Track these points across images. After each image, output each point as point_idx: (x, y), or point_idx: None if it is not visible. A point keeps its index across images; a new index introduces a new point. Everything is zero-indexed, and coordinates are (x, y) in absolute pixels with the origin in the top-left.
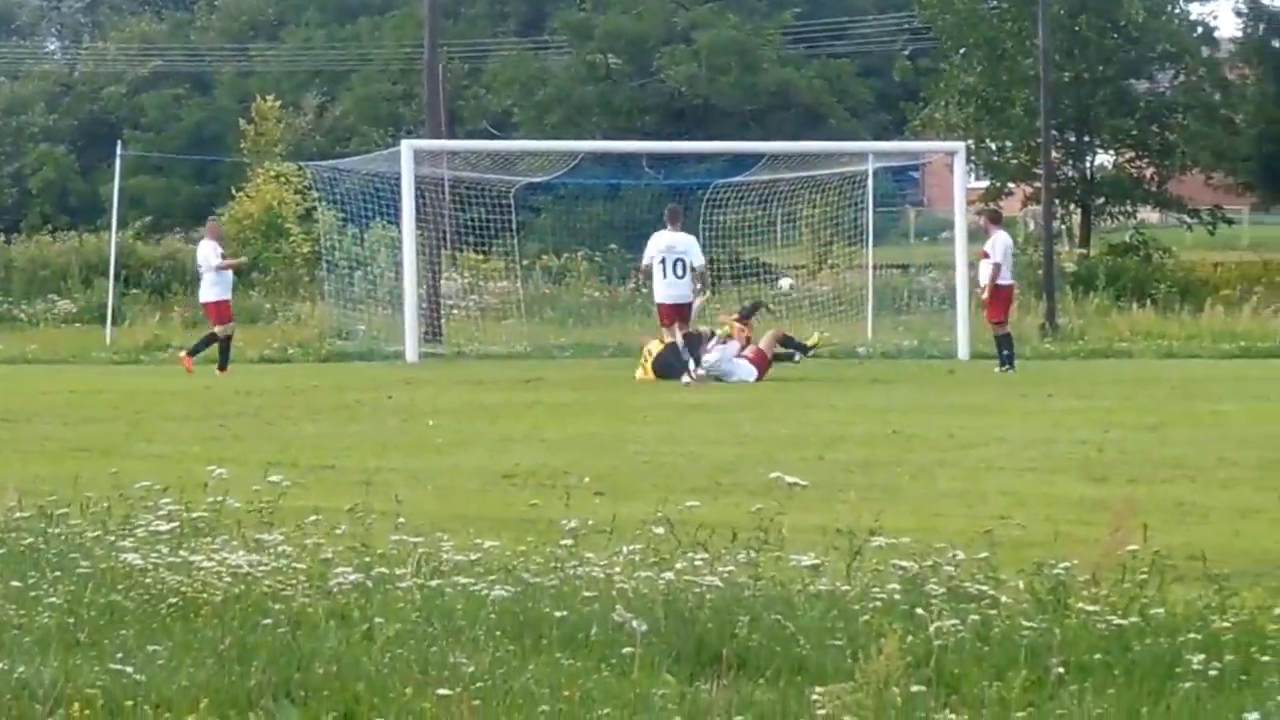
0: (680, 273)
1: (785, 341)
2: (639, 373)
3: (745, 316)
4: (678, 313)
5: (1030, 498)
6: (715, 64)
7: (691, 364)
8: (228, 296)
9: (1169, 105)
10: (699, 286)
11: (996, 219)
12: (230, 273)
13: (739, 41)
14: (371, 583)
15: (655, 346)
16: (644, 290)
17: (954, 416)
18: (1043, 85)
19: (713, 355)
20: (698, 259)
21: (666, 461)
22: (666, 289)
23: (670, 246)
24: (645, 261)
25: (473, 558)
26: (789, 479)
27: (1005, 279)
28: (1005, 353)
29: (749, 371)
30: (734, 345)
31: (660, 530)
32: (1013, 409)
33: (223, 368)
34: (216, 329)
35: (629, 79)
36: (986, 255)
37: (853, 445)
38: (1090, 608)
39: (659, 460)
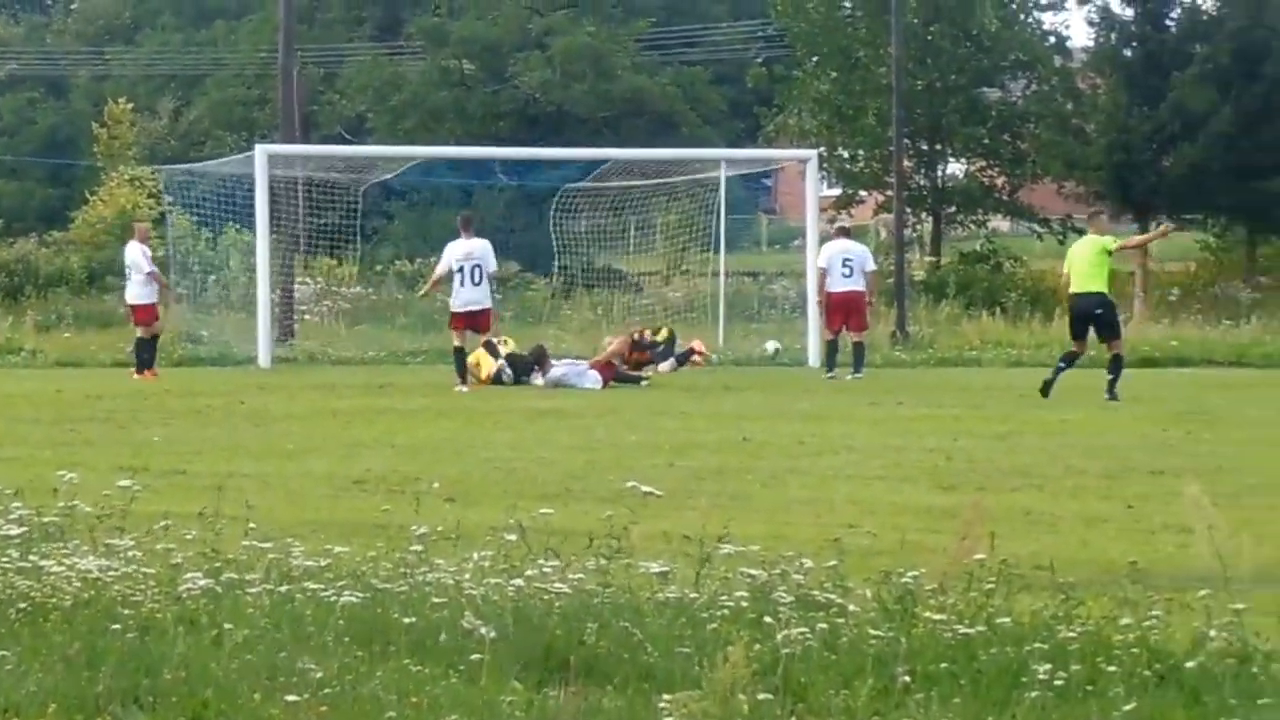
0: (478, 279)
1: (634, 364)
2: (461, 386)
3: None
4: (473, 320)
5: (879, 506)
6: (569, 70)
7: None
8: (155, 300)
9: (1021, 114)
10: (496, 292)
11: (842, 232)
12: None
13: (593, 48)
14: (221, 588)
15: (482, 354)
16: (496, 296)
17: (804, 424)
18: (895, 94)
19: (559, 369)
20: (492, 265)
21: (518, 467)
22: (466, 296)
23: (468, 254)
24: (443, 269)
25: (322, 563)
26: (640, 486)
27: (836, 287)
28: (830, 359)
29: (595, 380)
30: (583, 364)
31: (511, 536)
32: (862, 417)
33: (141, 371)
34: (140, 331)
35: (483, 85)
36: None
37: (704, 452)
38: (937, 617)
39: (510, 466)
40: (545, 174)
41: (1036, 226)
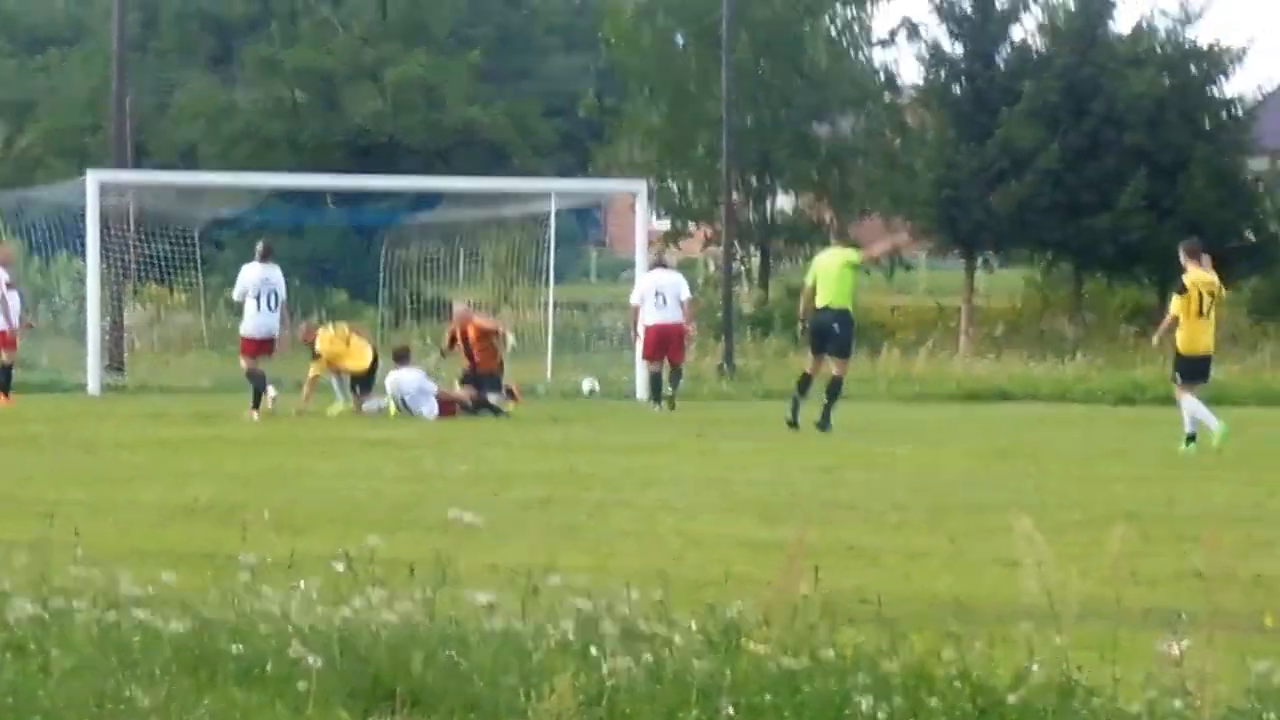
0: (273, 306)
1: (478, 403)
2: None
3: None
4: (265, 347)
5: (705, 538)
6: (401, 101)
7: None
8: (14, 324)
9: (850, 150)
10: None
11: (658, 264)
12: (16, 300)
13: (425, 79)
14: (49, 615)
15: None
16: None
17: (632, 456)
18: (725, 127)
19: (411, 376)
20: (282, 290)
21: (346, 497)
22: (260, 321)
23: (265, 279)
24: (239, 295)
25: (150, 591)
26: (467, 517)
27: (650, 319)
28: (655, 390)
29: (431, 410)
30: (432, 385)
31: (338, 566)
32: (690, 449)
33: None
34: (2, 354)
35: (316, 115)
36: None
37: (531, 483)
38: (761, 649)
39: (339, 496)
40: (376, 205)
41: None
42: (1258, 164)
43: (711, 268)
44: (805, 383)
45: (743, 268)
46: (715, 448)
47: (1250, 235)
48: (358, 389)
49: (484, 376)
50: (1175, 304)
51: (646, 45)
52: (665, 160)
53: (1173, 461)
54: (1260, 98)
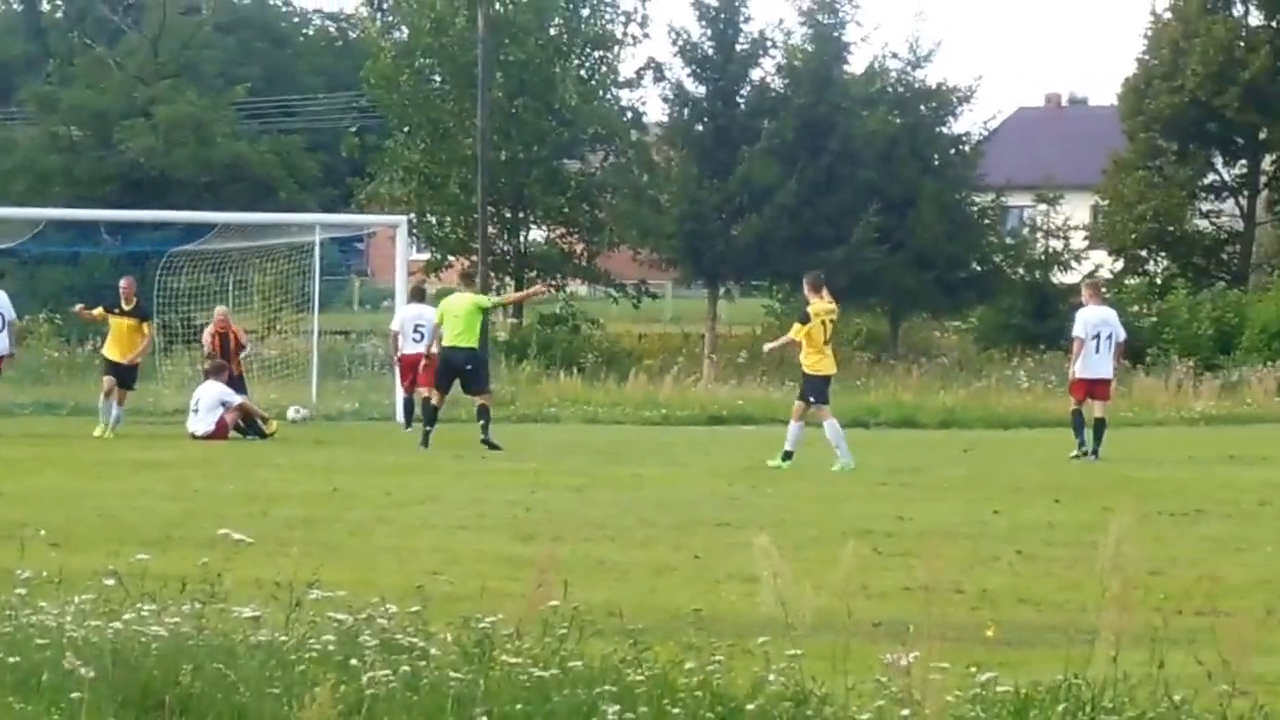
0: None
1: (249, 423)
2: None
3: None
4: None
5: (461, 554)
6: (173, 137)
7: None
8: None
9: (599, 185)
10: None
11: (417, 296)
12: None
13: (195, 116)
14: None
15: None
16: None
17: (392, 476)
18: (480, 163)
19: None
20: (12, 314)
21: (119, 515)
22: None
23: None
24: None
25: None
26: (235, 534)
27: (407, 349)
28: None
29: (203, 425)
30: (234, 398)
31: (111, 581)
32: (447, 469)
33: None
34: None
35: (91, 150)
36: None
37: (296, 502)
38: (513, 660)
39: (112, 514)
40: (149, 236)
41: (613, 291)
42: (983, 198)
43: None
44: (431, 411)
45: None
46: (472, 468)
47: (976, 266)
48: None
49: (240, 382)
50: (797, 330)
51: (405, 85)
52: (424, 194)
53: (904, 480)
54: (985, 134)
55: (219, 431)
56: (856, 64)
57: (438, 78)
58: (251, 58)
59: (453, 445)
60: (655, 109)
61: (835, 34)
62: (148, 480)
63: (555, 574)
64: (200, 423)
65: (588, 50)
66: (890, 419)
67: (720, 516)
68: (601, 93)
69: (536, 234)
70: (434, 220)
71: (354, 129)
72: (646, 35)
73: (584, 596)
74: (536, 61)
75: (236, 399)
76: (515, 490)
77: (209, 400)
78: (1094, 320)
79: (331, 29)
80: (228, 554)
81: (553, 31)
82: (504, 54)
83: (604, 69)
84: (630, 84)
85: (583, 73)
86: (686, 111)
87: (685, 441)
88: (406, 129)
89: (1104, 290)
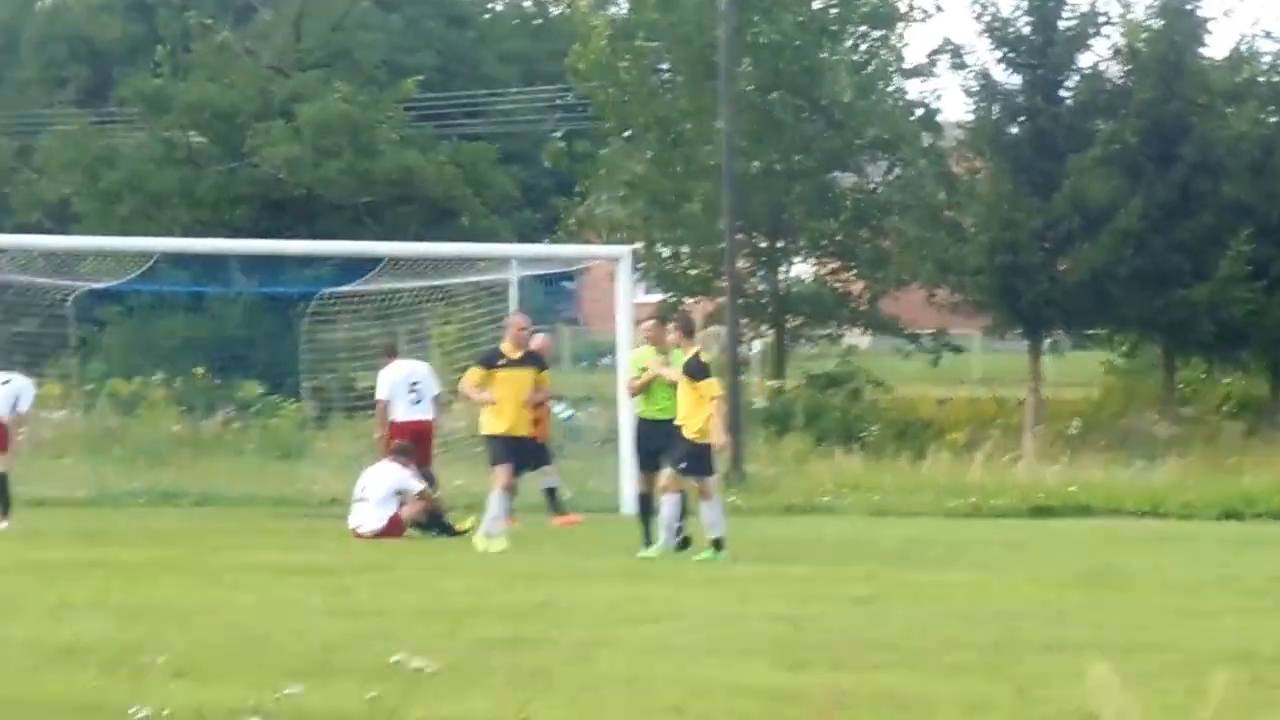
0: None
1: (431, 518)
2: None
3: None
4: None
5: (710, 686)
6: (321, 145)
7: None
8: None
9: (882, 205)
10: None
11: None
12: None
13: (350, 117)
14: None
15: None
16: (235, 425)
17: (618, 585)
18: (726, 177)
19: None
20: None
21: (262, 636)
22: None
23: None
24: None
25: None
26: (414, 661)
27: (401, 415)
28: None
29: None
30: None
31: None
32: (690, 577)
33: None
34: None
35: (216, 161)
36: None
37: (494, 619)
38: None
39: (253, 635)
40: (294, 273)
41: (903, 343)
42: None
43: (714, 350)
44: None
45: (750, 351)
46: (722, 575)
47: None
48: None
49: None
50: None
51: (626, 76)
52: (653, 218)
53: None
54: None
55: (393, 528)
56: (1218, 46)
57: (667, 66)
58: (423, 42)
59: (697, 546)
60: (954, 105)
61: (1189, 7)
62: (298, 591)
63: (837, 711)
64: (369, 516)
65: (863, 29)
66: (1273, 510)
67: (1050, 636)
68: (882, 84)
69: (801, 269)
70: (666, 251)
71: (558, 133)
72: (940, 9)
73: None
74: (796, 44)
75: (417, 486)
76: (780, 603)
77: (382, 489)
78: None
79: (527, 5)
80: (405, 686)
81: (817, 4)
82: (754, 34)
83: (885, 53)
84: (920, 72)
85: (857, 58)
86: (996, 108)
87: (1001, 539)
88: (628, 133)
89: None
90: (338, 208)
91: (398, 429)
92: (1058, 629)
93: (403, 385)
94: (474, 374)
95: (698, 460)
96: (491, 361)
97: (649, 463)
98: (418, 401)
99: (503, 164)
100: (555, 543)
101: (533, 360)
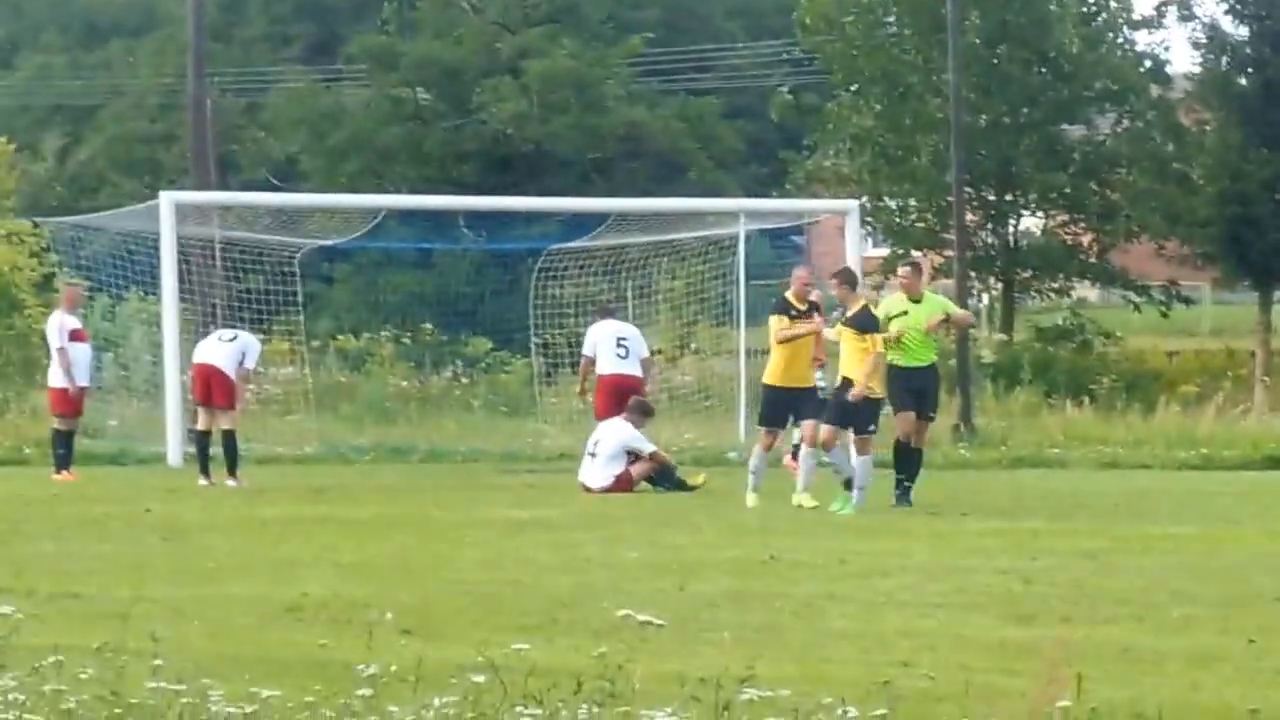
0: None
1: (661, 474)
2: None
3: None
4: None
5: (939, 640)
6: (549, 101)
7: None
8: (80, 383)
9: (1110, 157)
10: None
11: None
12: (85, 354)
13: (577, 73)
14: None
15: None
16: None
17: (846, 539)
18: (954, 131)
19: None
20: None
21: (490, 592)
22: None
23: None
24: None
25: (247, 710)
26: (642, 616)
27: (607, 369)
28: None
29: (601, 478)
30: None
31: (481, 678)
32: (919, 531)
33: (60, 469)
34: (57, 421)
35: (443, 118)
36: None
37: (722, 574)
38: None
39: (480, 591)
40: (521, 230)
41: (1133, 295)
42: None
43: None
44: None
45: (980, 304)
46: (952, 528)
47: None
48: None
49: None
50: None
51: (852, 28)
52: (880, 172)
53: None
54: None
55: (621, 484)
56: None
57: (894, 19)
58: None
59: (927, 500)
60: (1182, 57)
61: None
62: (524, 547)
63: (1066, 665)
64: (598, 472)
65: None
66: None
67: None
68: (1111, 35)
69: (1030, 222)
70: (894, 205)
71: (786, 88)
72: None
73: (1104, 694)
74: None
75: (649, 447)
76: (1009, 557)
77: (613, 445)
78: None
79: None
80: (633, 642)
81: None
82: None
83: (1114, 4)
84: (1149, 24)
85: (1085, 10)
86: (1224, 60)
87: (1233, 491)
88: (855, 86)
89: None
90: (565, 163)
91: (603, 382)
92: None
93: (609, 340)
94: (780, 320)
95: (856, 414)
96: (786, 310)
97: (910, 404)
98: (624, 356)
99: (729, 118)
100: (785, 496)
101: (815, 312)
